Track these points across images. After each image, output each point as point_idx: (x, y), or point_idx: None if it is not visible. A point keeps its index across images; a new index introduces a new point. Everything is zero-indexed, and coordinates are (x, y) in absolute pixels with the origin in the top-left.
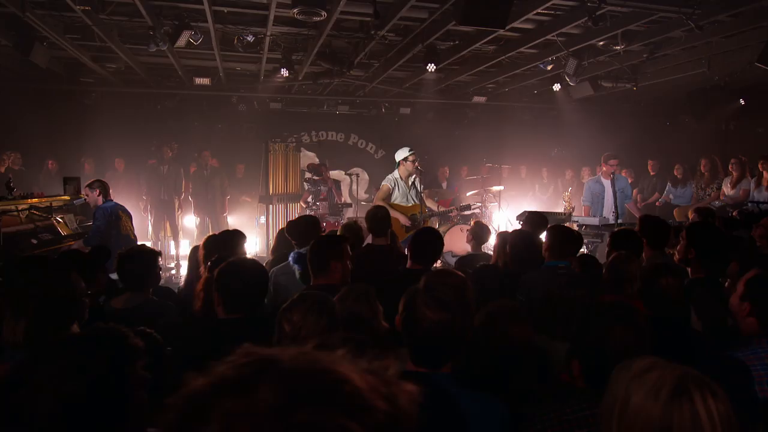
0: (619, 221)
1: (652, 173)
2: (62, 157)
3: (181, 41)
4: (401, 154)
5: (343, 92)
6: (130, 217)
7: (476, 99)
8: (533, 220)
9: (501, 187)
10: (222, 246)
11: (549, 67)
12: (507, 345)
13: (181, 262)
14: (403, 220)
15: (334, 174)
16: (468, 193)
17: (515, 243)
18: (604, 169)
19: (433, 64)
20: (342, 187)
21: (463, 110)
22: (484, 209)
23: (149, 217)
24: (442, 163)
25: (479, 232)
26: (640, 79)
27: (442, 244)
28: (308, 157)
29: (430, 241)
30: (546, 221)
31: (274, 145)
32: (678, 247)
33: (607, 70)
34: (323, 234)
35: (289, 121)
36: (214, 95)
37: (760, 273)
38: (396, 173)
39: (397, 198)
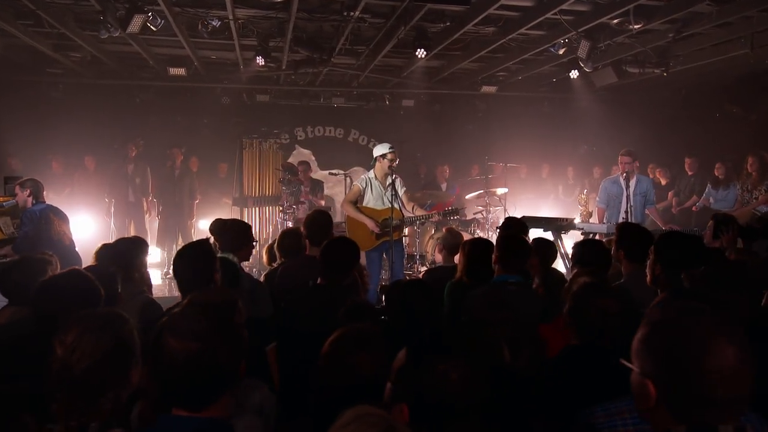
0: None
1: (690, 173)
2: (27, 155)
3: (134, 26)
4: (379, 150)
5: (338, 83)
6: (64, 219)
7: (486, 89)
8: (511, 227)
9: (505, 189)
10: (116, 257)
11: (561, 51)
12: (350, 377)
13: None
14: (371, 225)
15: (320, 174)
16: (467, 196)
17: (470, 254)
18: (621, 168)
19: (423, 49)
20: (337, 188)
21: (473, 102)
22: (486, 214)
23: (112, 221)
24: (441, 162)
25: (451, 241)
26: (671, 64)
27: (356, 257)
28: (303, 155)
29: (339, 253)
30: (525, 228)
31: (251, 141)
32: (648, 263)
33: (631, 54)
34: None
35: (281, 116)
36: (195, 87)
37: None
38: (371, 172)
39: (370, 201)
